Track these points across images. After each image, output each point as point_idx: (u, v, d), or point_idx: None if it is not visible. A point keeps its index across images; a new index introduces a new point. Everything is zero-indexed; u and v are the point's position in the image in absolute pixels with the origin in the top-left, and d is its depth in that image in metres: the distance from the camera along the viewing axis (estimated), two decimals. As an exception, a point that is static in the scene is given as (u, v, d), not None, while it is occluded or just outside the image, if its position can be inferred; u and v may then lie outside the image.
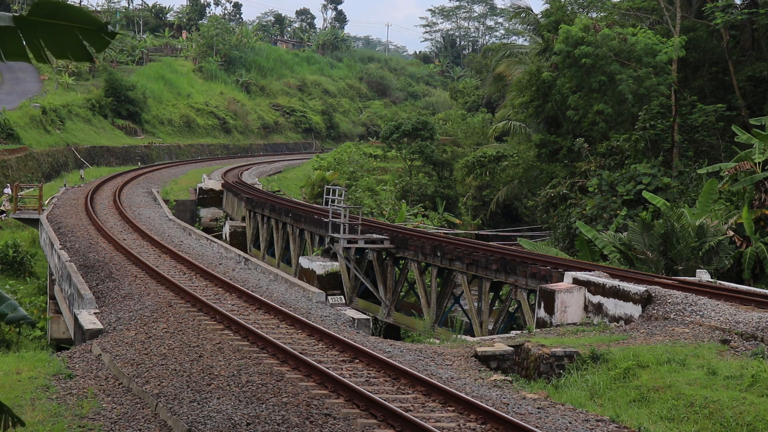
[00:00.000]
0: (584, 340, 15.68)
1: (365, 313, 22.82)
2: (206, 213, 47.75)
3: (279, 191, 48.66)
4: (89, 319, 17.85)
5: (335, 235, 28.39)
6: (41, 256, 35.22)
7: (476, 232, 50.60)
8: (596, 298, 18.35)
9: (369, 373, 13.77)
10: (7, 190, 40.70)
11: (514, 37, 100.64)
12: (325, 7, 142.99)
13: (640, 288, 17.68)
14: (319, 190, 44.89)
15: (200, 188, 48.84)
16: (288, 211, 35.37)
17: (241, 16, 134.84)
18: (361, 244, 27.91)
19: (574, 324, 18.10)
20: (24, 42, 5.06)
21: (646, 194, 29.78)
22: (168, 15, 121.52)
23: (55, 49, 5.08)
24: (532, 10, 55.25)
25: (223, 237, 41.63)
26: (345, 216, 28.54)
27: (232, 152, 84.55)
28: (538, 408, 12.06)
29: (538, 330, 18.09)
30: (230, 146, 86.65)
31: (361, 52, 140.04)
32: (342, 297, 27.51)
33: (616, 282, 18.41)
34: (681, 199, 30.69)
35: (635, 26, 38.53)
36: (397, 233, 28.18)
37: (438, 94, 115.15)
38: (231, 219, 44.21)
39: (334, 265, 29.38)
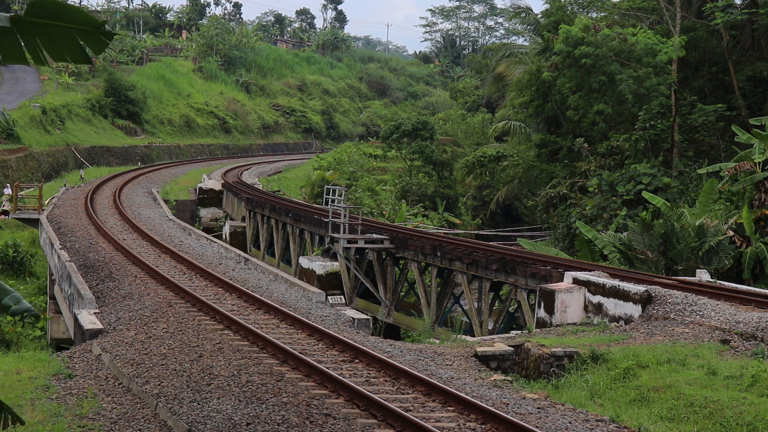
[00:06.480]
0: (584, 340, 15.67)
1: (365, 313, 22.82)
2: (206, 213, 47.75)
3: (279, 191, 48.66)
4: (89, 319, 17.84)
5: (335, 235, 28.39)
6: (41, 256, 35.21)
7: (476, 232, 50.60)
8: (596, 298, 18.35)
9: (369, 373, 13.77)
10: (7, 190, 40.69)
11: (514, 37, 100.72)
12: (325, 7, 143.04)
13: (640, 288, 17.67)
14: (319, 190, 44.88)
15: (200, 188, 48.84)
16: (288, 211, 35.36)
17: (241, 16, 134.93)
18: (361, 244, 27.91)
19: (574, 324, 18.10)
20: (22, 44, 5.05)
21: (646, 194, 29.77)
22: (168, 15, 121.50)
23: (53, 51, 5.06)
24: (532, 10, 55.26)
25: (223, 237, 41.62)
26: (345, 216, 28.54)
27: (232, 152, 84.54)
28: (538, 408, 12.06)
29: (538, 330, 18.09)
30: (230, 146, 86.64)
31: (361, 52, 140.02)
32: (342, 297, 27.48)
33: (616, 282, 18.40)
34: (681, 199, 30.68)
35: (635, 26, 38.52)
36: (397, 233, 28.17)
37: (438, 94, 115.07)
38: (231, 219, 44.21)
39: (334, 265, 29.38)
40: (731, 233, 25.71)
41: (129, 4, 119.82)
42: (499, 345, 15.55)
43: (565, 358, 14.48)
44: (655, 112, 34.85)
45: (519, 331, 18.42)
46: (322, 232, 30.58)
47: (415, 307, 28.13)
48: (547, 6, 49.20)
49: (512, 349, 15.29)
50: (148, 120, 78.76)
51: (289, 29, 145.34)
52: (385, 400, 11.91)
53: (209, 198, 48.20)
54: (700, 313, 16.54)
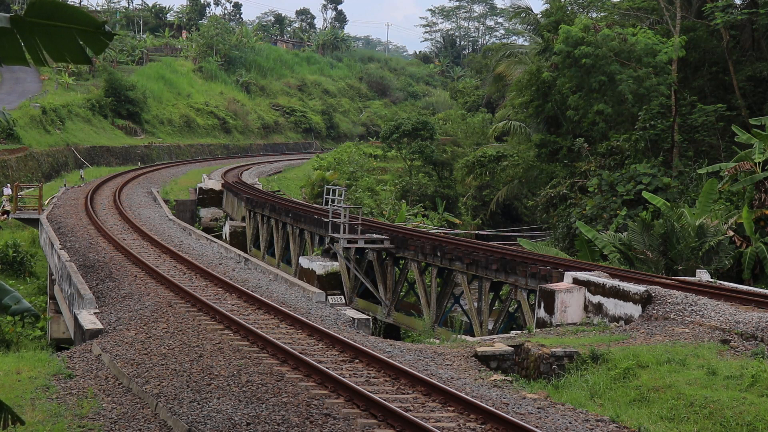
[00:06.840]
0: (584, 340, 15.67)
1: (365, 313, 22.81)
2: (206, 213, 47.75)
3: (279, 191, 48.66)
4: (89, 319, 17.84)
5: (335, 235, 28.39)
6: (41, 256, 35.21)
7: (476, 232, 50.59)
8: (596, 298, 18.35)
9: (369, 373, 13.77)
10: (7, 190, 40.69)
11: (514, 37, 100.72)
12: (325, 7, 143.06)
13: (640, 288, 17.67)
14: (319, 190, 44.88)
15: (200, 188, 48.84)
16: (288, 211, 35.36)
17: (241, 16, 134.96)
18: (361, 244, 27.91)
19: (574, 324, 18.10)
20: (22, 44, 5.05)
21: (646, 194, 29.78)
22: (168, 15, 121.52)
23: (53, 51, 5.07)
24: (532, 10, 55.26)
25: (223, 237, 41.62)
26: (345, 216, 28.54)
27: (232, 152, 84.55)
28: (538, 408, 12.06)
29: (538, 330, 18.09)
30: (230, 146, 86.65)
31: (361, 52, 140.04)
32: (342, 297, 27.49)
33: (616, 282, 18.40)
34: (681, 199, 30.68)
35: (635, 26, 38.52)
36: (397, 233, 28.17)
37: (438, 94, 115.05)
38: (231, 219, 44.21)
39: (334, 265, 29.38)
40: (731, 233, 25.71)
41: (129, 4, 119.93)
42: (499, 345, 15.55)
43: (565, 358, 14.48)
44: (655, 112, 34.84)
45: (519, 331, 18.42)
46: (322, 232, 30.59)
47: (415, 307, 28.13)
48: (547, 6, 49.21)
49: (512, 349, 15.28)
50: (148, 120, 78.76)
51: (289, 29, 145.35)
52: (385, 400, 11.91)
53: (209, 198, 48.20)
54: (700, 313, 16.54)
